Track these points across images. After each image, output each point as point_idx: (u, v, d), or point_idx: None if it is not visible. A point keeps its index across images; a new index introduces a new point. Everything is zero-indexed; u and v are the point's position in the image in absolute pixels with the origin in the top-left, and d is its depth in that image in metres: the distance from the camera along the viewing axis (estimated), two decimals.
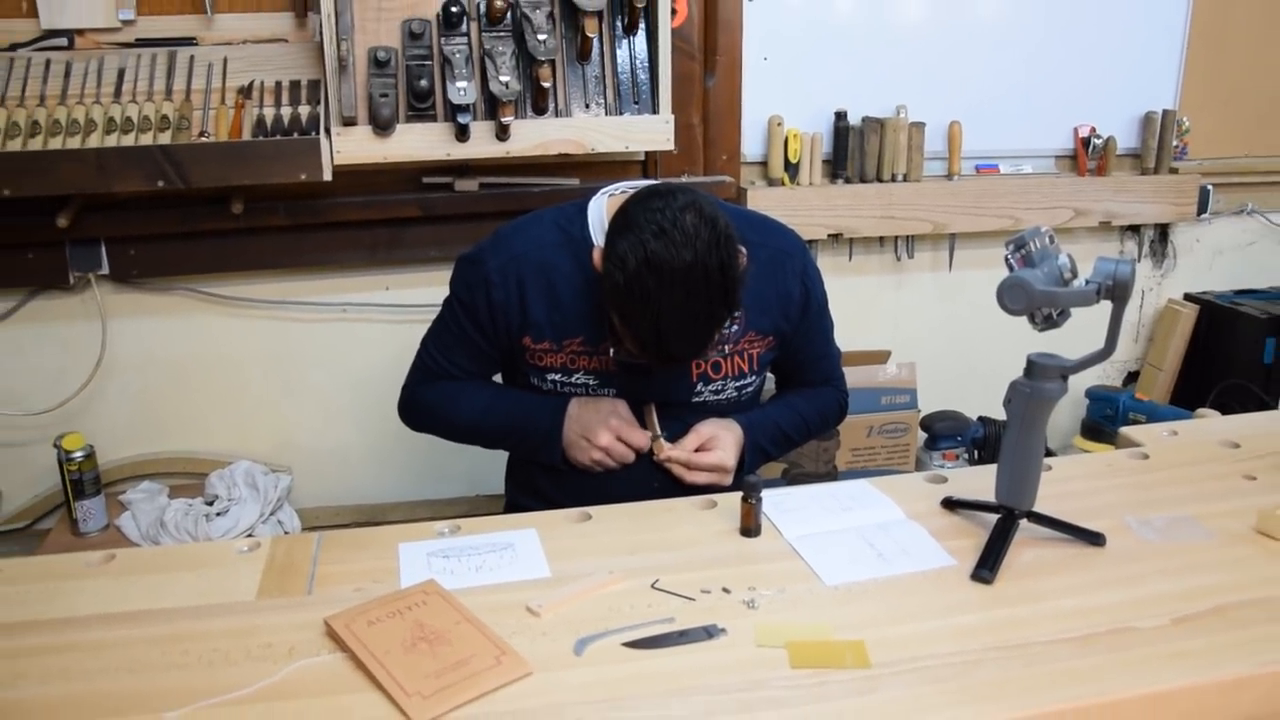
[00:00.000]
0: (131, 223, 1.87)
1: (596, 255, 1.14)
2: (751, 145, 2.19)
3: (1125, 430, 1.40)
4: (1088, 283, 0.96)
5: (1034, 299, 0.96)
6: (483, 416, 1.34)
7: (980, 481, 1.14)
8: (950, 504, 1.15)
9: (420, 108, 1.80)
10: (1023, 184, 2.29)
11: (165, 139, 1.74)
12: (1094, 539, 1.06)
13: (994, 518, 1.07)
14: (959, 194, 2.24)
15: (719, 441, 1.28)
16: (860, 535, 1.09)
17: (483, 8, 1.80)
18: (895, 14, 2.19)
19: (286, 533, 1.90)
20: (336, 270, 2.05)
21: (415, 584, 0.98)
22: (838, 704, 0.81)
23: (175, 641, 0.90)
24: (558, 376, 1.29)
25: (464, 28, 1.81)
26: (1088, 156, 2.31)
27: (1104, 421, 2.34)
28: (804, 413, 1.40)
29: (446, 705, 0.80)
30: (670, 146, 1.93)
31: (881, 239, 2.31)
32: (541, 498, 1.35)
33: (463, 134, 1.80)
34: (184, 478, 2.05)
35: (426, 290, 2.06)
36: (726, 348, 1.29)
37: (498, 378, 1.42)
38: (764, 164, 2.20)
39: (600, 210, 1.26)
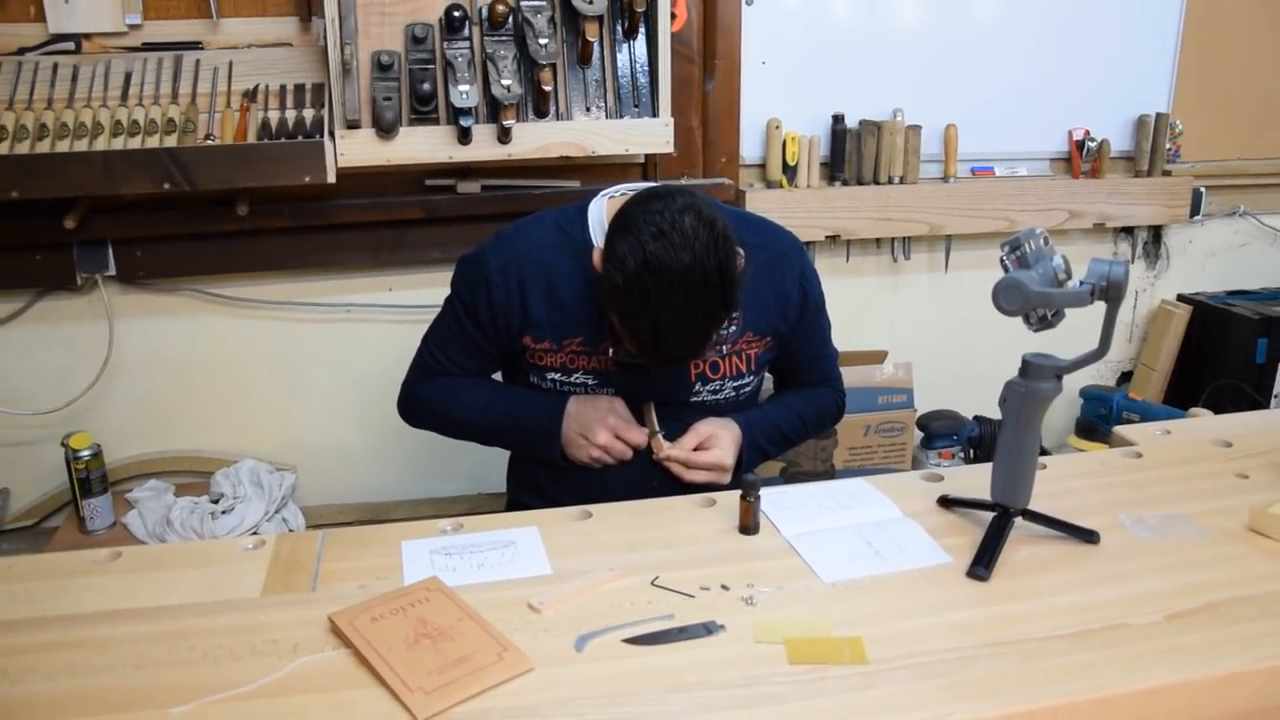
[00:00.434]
0: (138, 224, 1.88)
1: (596, 256, 1.15)
2: (750, 148, 2.20)
3: (1119, 429, 1.41)
4: (1082, 284, 0.97)
5: (1029, 300, 0.97)
6: (481, 413, 1.35)
7: (976, 480, 1.15)
8: (946, 502, 1.16)
9: (423, 111, 1.82)
10: (1018, 186, 2.30)
11: (171, 142, 1.75)
12: (1088, 537, 1.07)
13: (989, 516, 1.08)
14: (955, 196, 2.26)
15: (717, 440, 1.29)
16: (857, 533, 1.10)
17: (484, 12, 1.81)
18: (892, 18, 2.20)
19: (291, 530, 1.91)
20: (340, 271, 2.06)
21: (418, 581, 0.98)
22: (835, 699, 0.82)
23: (181, 638, 0.90)
24: (557, 376, 1.30)
25: (466, 32, 1.83)
26: (1082, 159, 2.33)
27: (1098, 421, 2.35)
28: (802, 412, 1.41)
29: (449, 701, 0.80)
30: (670, 149, 1.94)
31: (878, 240, 2.32)
32: (542, 495, 1.36)
33: (465, 137, 1.81)
34: (190, 476, 2.06)
35: (429, 291, 2.07)
36: (724, 348, 1.30)
37: (497, 376, 1.43)
38: (762, 166, 2.21)
39: (600, 212, 1.27)
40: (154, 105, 1.78)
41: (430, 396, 1.38)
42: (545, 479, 1.37)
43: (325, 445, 2.14)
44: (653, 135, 1.91)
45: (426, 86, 1.79)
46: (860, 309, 2.36)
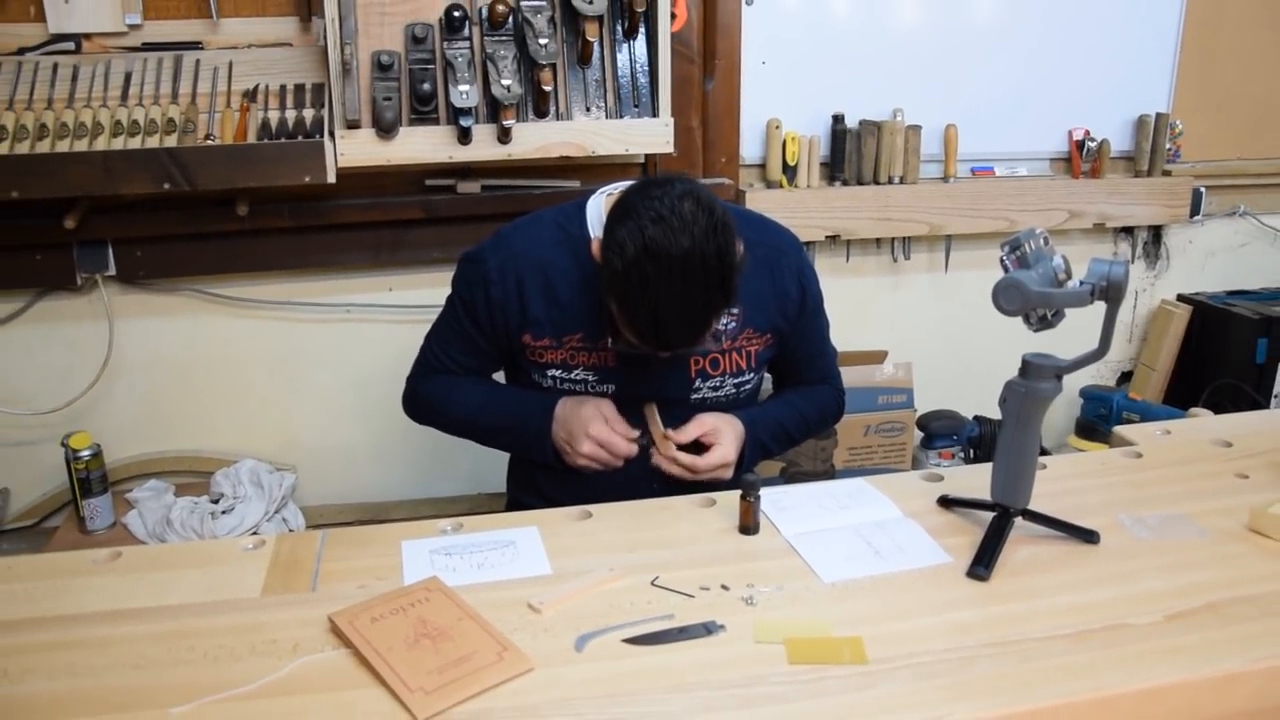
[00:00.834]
0: (138, 224, 1.88)
1: (595, 246, 1.15)
2: (750, 148, 2.20)
3: (1119, 429, 1.41)
4: (1082, 284, 0.97)
5: (1029, 300, 0.97)
6: (476, 413, 1.36)
7: (976, 480, 1.15)
8: (946, 502, 1.16)
9: (423, 111, 1.82)
10: (1018, 186, 2.30)
11: (171, 142, 1.75)
12: (1088, 537, 1.07)
13: (989, 516, 1.08)
14: (955, 196, 2.26)
15: (720, 435, 1.28)
16: (857, 533, 1.10)
17: (484, 12, 1.81)
18: (892, 18, 2.20)
19: (291, 530, 1.92)
20: (340, 271, 2.06)
21: (418, 581, 0.98)
22: (835, 699, 0.82)
23: (181, 638, 0.90)
24: (558, 373, 1.30)
25: (466, 32, 1.83)
26: (1082, 159, 2.33)
27: (1098, 421, 2.36)
28: (803, 410, 1.41)
29: (449, 701, 0.81)
30: (670, 149, 1.94)
31: (878, 240, 2.32)
32: (542, 496, 1.36)
33: (465, 137, 1.81)
34: (190, 476, 2.06)
35: (429, 291, 2.07)
36: (724, 342, 1.30)
37: (499, 376, 1.43)
38: (762, 166, 2.21)
39: (599, 208, 1.27)
40: (154, 105, 1.78)
41: (429, 394, 1.39)
42: (544, 480, 1.37)
43: (325, 445, 2.14)
44: (653, 135, 1.91)
45: (426, 86, 1.79)
46: (860, 309, 2.36)
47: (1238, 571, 1.01)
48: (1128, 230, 2.47)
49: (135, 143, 1.74)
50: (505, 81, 1.78)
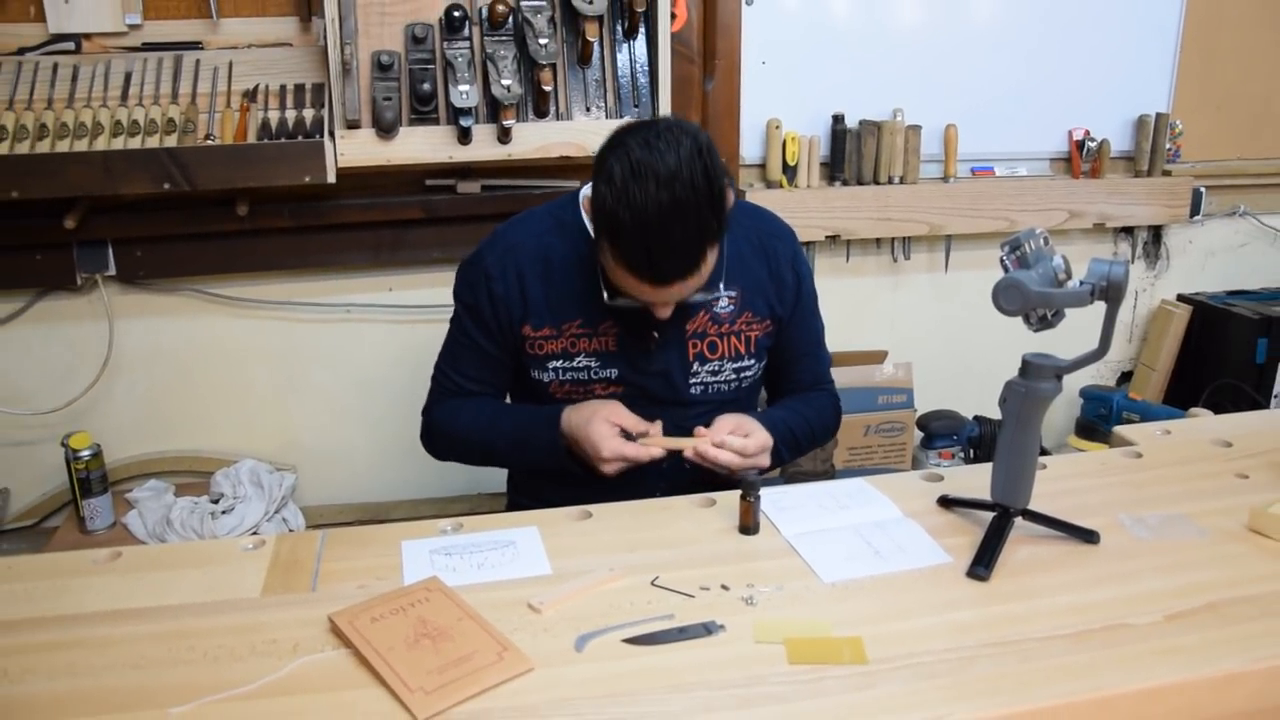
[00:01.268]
0: (138, 224, 1.88)
1: (585, 202, 1.15)
2: (750, 148, 2.20)
3: (1119, 429, 1.41)
4: (1082, 284, 0.97)
5: (1029, 300, 0.97)
6: (487, 433, 1.33)
7: (976, 480, 1.15)
8: (946, 502, 1.16)
9: (423, 111, 1.82)
10: (1018, 186, 2.30)
11: (171, 142, 1.75)
12: (1088, 537, 1.07)
13: (989, 516, 1.08)
14: (955, 196, 2.26)
15: (750, 425, 1.25)
16: (857, 533, 1.10)
17: (484, 12, 1.81)
18: (892, 18, 2.20)
19: (291, 530, 1.92)
20: (340, 271, 2.06)
21: (418, 581, 0.98)
22: (835, 699, 0.82)
23: (181, 638, 0.90)
24: (559, 363, 1.30)
25: (466, 32, 1.83)
26: (1082, 159, 2.33)
27: (1098, 421, 2.36)
28: (807, 416, 1.39)
29: (449, 701, 0.80)
30: None
31: (878, 240, 2.32)
32: (540, 499, 1.35)
33: (465, 137, 1.81)
34: (190, 476, 2.06)
35: (429, 291, 2.08)
36: (725, 329, 1.30)
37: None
38: (762, 166, 2.21)
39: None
40: (154, 105, 1.78)
41: (440, 421, 1.37)
42: (544, 485, 1.37)
43: (325, 445, 2.14)
44: None
45: (426, 86, 1.80)
46: (860, 309, 2.36)
47: (1238, 571, 1.01)
48: (1128, 230, 2.47)
49: (135, 143, 1.74)
50: (505, 81, 1.78)
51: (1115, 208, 2.36)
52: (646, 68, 1.92)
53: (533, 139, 1.86)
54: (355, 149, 1.79)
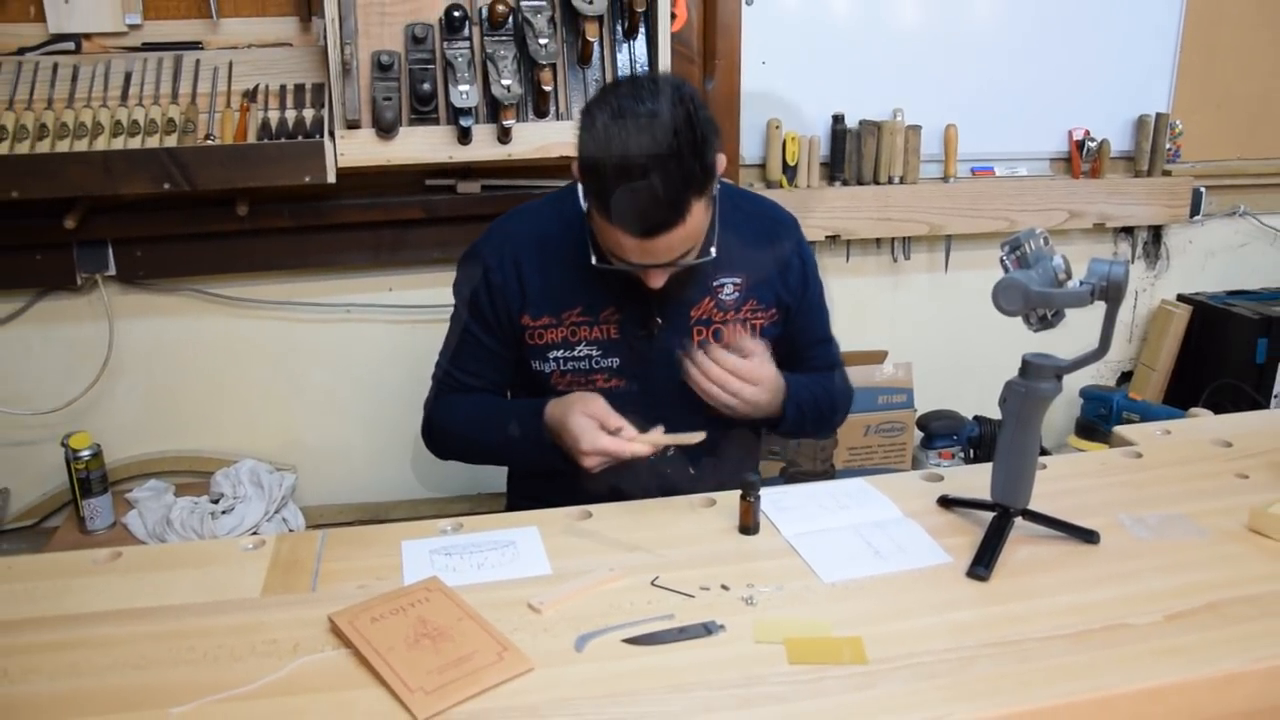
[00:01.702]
0: (138, 224, 1.88)
1: (578, 171, 1.15)
2: (750, 148, 2.20)
3: (1119, 429, 1.41)
4: (1082, 284, 0.97)
5: (1029, 300, 0.98)
6: (479, 429, 1.31)
7: (976, 480, 1.15)
8: (946, 502, 1.16)
9: (423, 111, 1.82)
10: (1018, 186, 2.30)
11: (171, 142, 1.75)
12: (1088, 537, 1.07)
13: (989, 516, 1.08)
14: (955, 196, 2.26)
15: (762, 357, 1.22)
16: (857, 533, 1.10)
17: (485, 12, 1.81)
18: (892, 18, 2.20)
19: (291, 530, 1.92)
20: (340, 271, 2.06)
21: (418, 581, 0.99)
22: (835, 699, 0.82)
23: (181, 638, 0.91)
24: (560, 353, 1.29)
25: (466, 32, 1.83)
26: (1082, 159, 2.33)
27: (1098, 421, 2.36)
28: (825, 384, 1.36)
29: (449, 701, 0.81)
30: None
31: (878, 240, 2.32)
32: (542, 503, 1.35)
33: (465, 137, 1.81)
34: (190, 476, 2.06)
35: (430, 291, 2.07)
36: (729, 316, 1.29)
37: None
38: (762, 166, 2.21)
39: None
40: (154, 105, 1.78)
41: (438, 417, 1.36)
42: (544, 486, 1.36)
43: (325, 445, 2.14)
44: None
45: (426, 86, 1.79)
46: (860, 309, 2.36)
47: (1238, 571, 1.01)
48: (1128, 230, 2.47)
49: (135, 143, 1.74)
50: (505, 81, 1.78)
51: (1115, 208, 2.36)
52: (646, 68, 1.92)
53: (533, 139, 1.85)
54: (355, 149, 1.79)
